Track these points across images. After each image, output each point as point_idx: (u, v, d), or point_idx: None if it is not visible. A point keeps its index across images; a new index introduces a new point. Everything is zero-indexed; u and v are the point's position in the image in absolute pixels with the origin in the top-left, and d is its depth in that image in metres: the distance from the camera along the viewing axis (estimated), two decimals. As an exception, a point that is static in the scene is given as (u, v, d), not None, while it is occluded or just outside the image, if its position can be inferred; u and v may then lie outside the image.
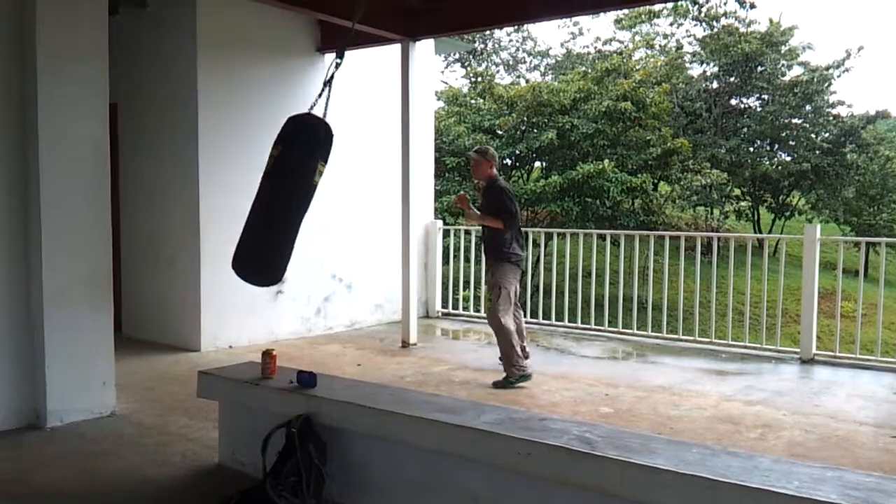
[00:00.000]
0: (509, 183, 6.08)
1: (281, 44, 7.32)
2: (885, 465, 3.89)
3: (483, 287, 9.05)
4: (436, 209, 9.30)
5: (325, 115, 3.76)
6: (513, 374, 5.56)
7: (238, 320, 6.91)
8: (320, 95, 3.77)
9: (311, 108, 3.77)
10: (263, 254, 3.71)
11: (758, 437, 4.44)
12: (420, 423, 3.08)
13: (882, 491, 2.26)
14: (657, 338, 7.37)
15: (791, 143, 18.45)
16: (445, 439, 3.00)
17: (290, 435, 3.23)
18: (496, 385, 5.55)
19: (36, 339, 4.42)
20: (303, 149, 3.74)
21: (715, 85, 18.83)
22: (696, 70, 19.31)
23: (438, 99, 15.21)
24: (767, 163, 18.36)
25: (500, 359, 5.74)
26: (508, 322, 5.61)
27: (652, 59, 18.48)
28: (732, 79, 18.36)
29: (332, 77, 3.81)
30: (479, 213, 5.87)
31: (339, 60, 3.80)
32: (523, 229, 6.41)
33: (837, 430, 4.59)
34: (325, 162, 3.80)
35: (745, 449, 3.54)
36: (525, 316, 8.07)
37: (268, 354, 3.76)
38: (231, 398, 3.85)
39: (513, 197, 5.76)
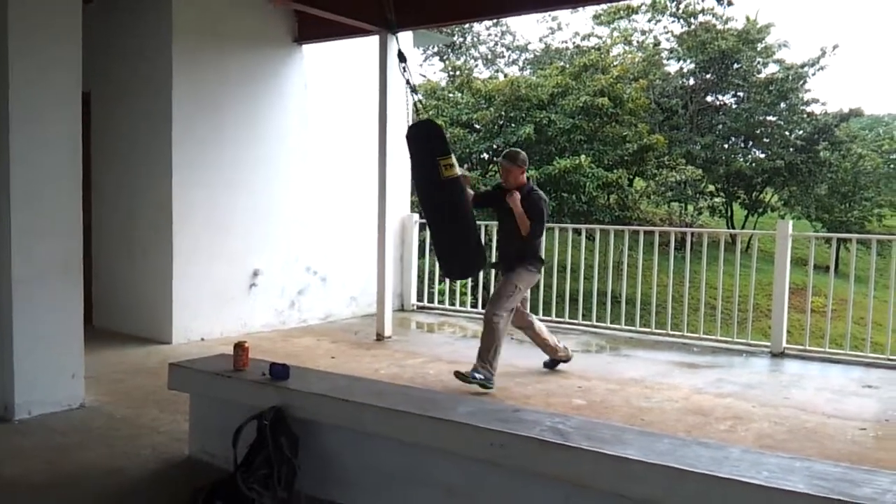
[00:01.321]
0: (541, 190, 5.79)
1: (257, 33, 7.25)
2: (852, 457, 3.94)
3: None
4: (412, 202, 9.28)
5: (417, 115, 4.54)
6: (479, 371, 5.16)
7: (210, 313, 6.85)
8: (410, 101, 4.29)
9: (416, 114, 4.24)
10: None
11: (727, 428, 4.48)
12: (393, 416, 3.07)
13: (849, 481, 2.29)
14: (630, 331, 7.42)
15: (765, 140, 18.69)
16: (419, 431, 3.00)
17: (262, 427, 3.20)
18: (457, 375, 5.15)
19: (4, 329, 4.34)
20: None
21: (691, 81, 19.00)
22: (673, 67, 19.51)
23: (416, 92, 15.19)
24: (741, 160, 18.58)
25: (547, 363, 5.86)
26: (504, 325, 5.30)
27: (629, 55, 18.62)
28: (709, 76, 18.54)
29: (409, 81, 4.39)
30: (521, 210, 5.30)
31: (404, 65, 4.26)
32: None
33: (806, 422, 4.66)
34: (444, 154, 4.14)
35: (715, 440, 3.57)
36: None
37: (240, 346, 3.72)
38: (202, 390, 3.81)
39: (546, 211, 5.49)
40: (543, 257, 5.73)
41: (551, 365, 5.89)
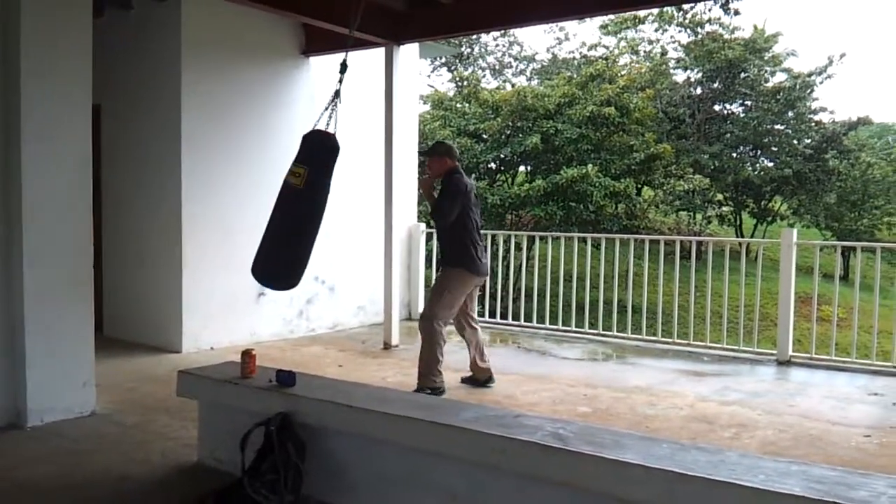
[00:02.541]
0: (470, 178, 5.51)
1: (265, 46, 7.35)
2: (855, 463, 3.95)
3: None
4: (419, 212, 9.34)
5: (333, 126, 4.21)
6: (425, 383, 5.25)
7: (219, 322, 6.92)
8: (328, 108, 4.08)
9: (319, 121, 4.12)
10: (290, 263, 4.37)
11: (732, 436, 4.50)
12: (397, 421, 3.11)
13: (845, 484, 2.32)
14: (637, 340, 7.45)
15: (773, 149, 18.64)
16: (422, 436, 3.04)
17: (269, 433, 3.25)
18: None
19: (17, 338, 4.42)
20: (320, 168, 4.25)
21: (699, 91, 19.00)
22: (680, 76, 19.50)
23: (424, 102, 15.26)
24: (750, 168, 18.54)
25: (465, 379, 5.63)
26: (442, 331, 5.30)
27: (636, 65, 18.62)
28: (716, 85, 18.54)
29: (338, 90, 4.15)
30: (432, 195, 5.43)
31: (341, 76, 4.10)
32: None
33: (811, 429, 4.67)
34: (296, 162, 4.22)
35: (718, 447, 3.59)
36: (506, 318, 8.16)
37: (247, 354, 3.78)
38: (210, 397, 3.87)
39: (456, 193, 5.22)
40: (478, 255, 5.31)
41: (470, 382, 5.63)
